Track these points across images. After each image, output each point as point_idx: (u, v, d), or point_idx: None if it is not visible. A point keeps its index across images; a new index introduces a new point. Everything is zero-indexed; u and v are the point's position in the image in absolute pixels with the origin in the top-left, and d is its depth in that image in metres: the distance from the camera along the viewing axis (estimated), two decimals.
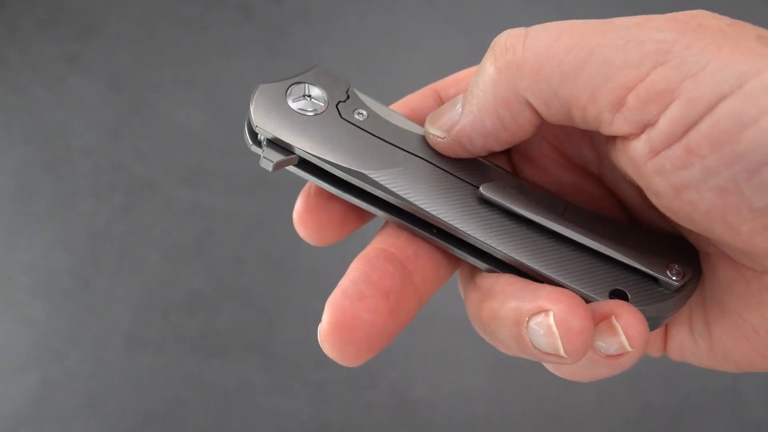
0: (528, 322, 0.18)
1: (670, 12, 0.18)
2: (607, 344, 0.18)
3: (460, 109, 0.20)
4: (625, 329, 0.18)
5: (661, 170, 0.17)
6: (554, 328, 0.18)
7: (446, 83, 0.24)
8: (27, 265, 0.63)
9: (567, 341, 0.17)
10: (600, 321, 0.18)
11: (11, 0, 0.73)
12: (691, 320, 0.22)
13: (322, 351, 0.20)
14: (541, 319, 0.18)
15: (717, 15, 0.17)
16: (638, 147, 0.17)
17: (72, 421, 0.58)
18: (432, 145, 0.21)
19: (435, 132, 0.21)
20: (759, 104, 0.15)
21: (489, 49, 0.19)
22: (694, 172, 0.16)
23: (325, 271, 0.63)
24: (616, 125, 0.17)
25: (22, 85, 0.70)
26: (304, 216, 0.22)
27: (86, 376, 0.60)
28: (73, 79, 0.70)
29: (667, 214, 0.18)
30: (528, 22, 0.19)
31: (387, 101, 0.25)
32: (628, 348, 0.18)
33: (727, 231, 0.17)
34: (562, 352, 0.17)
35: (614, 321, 0.18)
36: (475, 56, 0.25)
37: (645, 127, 0.17)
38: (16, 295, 0.62)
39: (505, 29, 0.20)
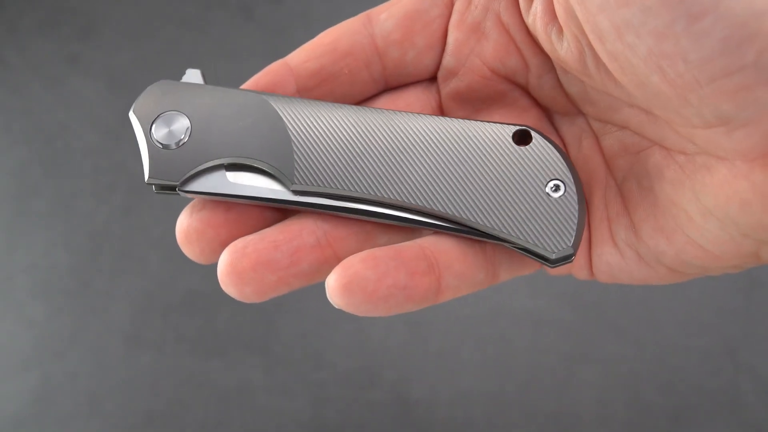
0: None
1: None
2: None
3: None
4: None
5: (605, 6, 0.17)
6: None
7: (379, 8, 0.23)
8: (27, 265, 0.63)
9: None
10: None
11: (11, 0, 0.73)
12: (612, 232, 0.21)
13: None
14: None
15: None
16: None
17: (72, 421, 0.58)
18: None
19: None
20: None
21: None
22: (635, 11, 0.16)
23: None
24: None
25: (23, 86, 0.70)
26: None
27: (86, 376, 0.60)
28: (73, 79, 0.70)
29: (610, 64, 0.18)
30: None
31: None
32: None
33: (663, 81, 0.17)
34: None
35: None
36: None
37: None
38: (16, 295, 0.62)
39: None
